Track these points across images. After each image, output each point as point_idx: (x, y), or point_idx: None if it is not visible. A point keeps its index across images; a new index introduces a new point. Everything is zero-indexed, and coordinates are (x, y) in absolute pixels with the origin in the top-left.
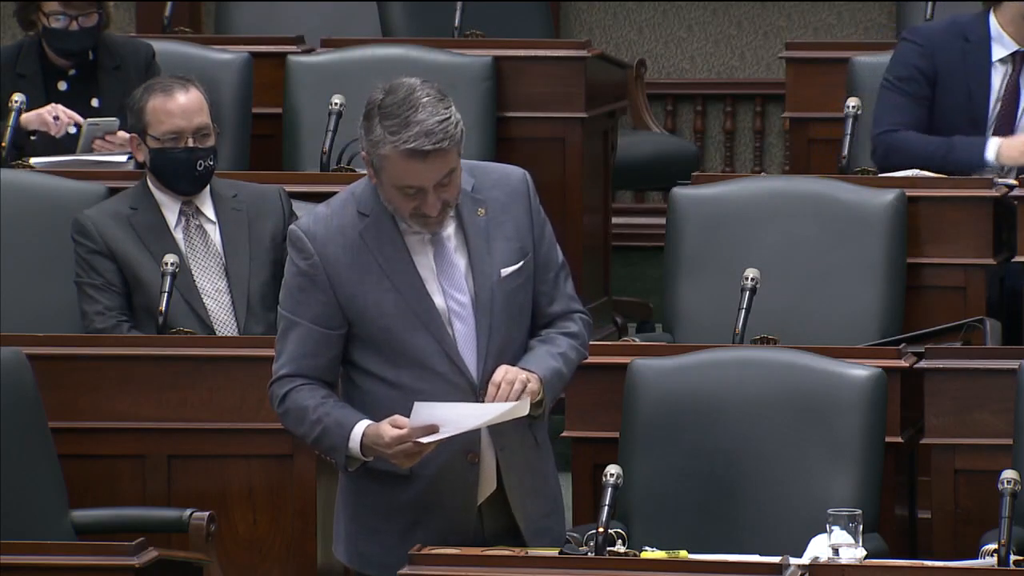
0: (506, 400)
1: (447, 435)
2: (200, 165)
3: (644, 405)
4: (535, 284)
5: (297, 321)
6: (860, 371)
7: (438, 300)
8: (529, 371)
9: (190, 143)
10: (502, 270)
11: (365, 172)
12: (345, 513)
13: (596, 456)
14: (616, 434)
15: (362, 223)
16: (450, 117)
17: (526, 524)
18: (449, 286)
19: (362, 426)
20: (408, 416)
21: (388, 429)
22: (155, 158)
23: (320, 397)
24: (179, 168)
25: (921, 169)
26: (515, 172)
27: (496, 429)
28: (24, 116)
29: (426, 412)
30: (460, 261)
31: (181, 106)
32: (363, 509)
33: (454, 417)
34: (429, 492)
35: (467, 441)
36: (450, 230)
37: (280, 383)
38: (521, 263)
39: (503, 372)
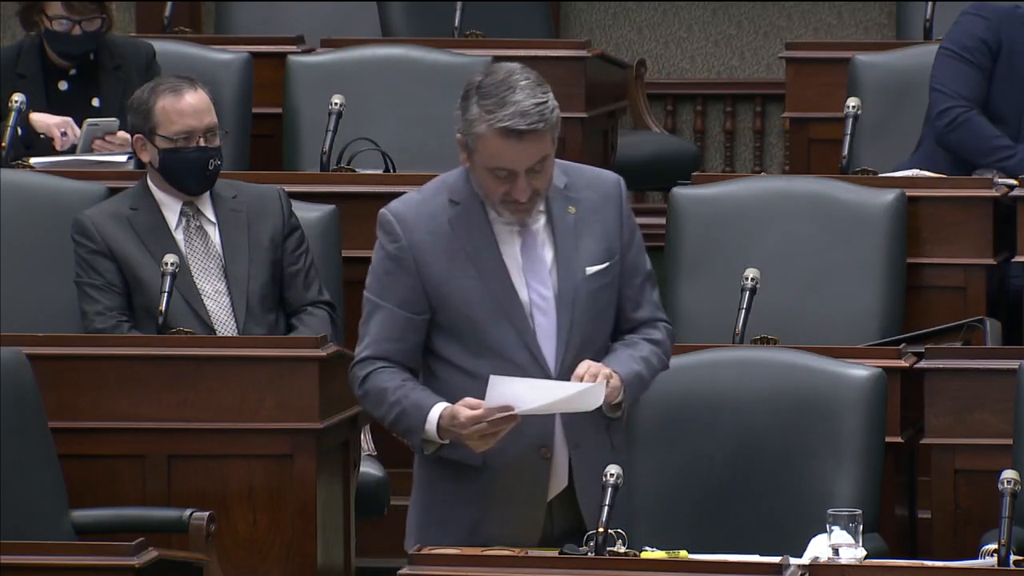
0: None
1: (522, 412)
2: (211, 165)
3: (645, 405)
4: (621, 288)
5: (381, 304)
6: (860, 371)
7: (522, 292)
8: (612, 369)
9: (201, 143)
10: (587, 268)
11: (365, 172)
12: (417, 505)
13: None
14: None
15: (452, 210)
16: (547, 102)
17: (593, 525)
18: (533, 279)
19: (439, 408)
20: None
21: (464, 410)
22: (165, 158)
23: (400, 380)
24: (191, 168)
25: (973, 159)
26: (610, 176)
27: (571, 427)
28: (35, 117)
29: (502, 385)
30: (547, 255)
31: (192, 105)
32: (434, 499)
33: (529, 393)
34: (499, 484)
35: (540, 435)
36: (539, 224)
37: (361, 365)
38: (607, 264)
39: (586, 366)
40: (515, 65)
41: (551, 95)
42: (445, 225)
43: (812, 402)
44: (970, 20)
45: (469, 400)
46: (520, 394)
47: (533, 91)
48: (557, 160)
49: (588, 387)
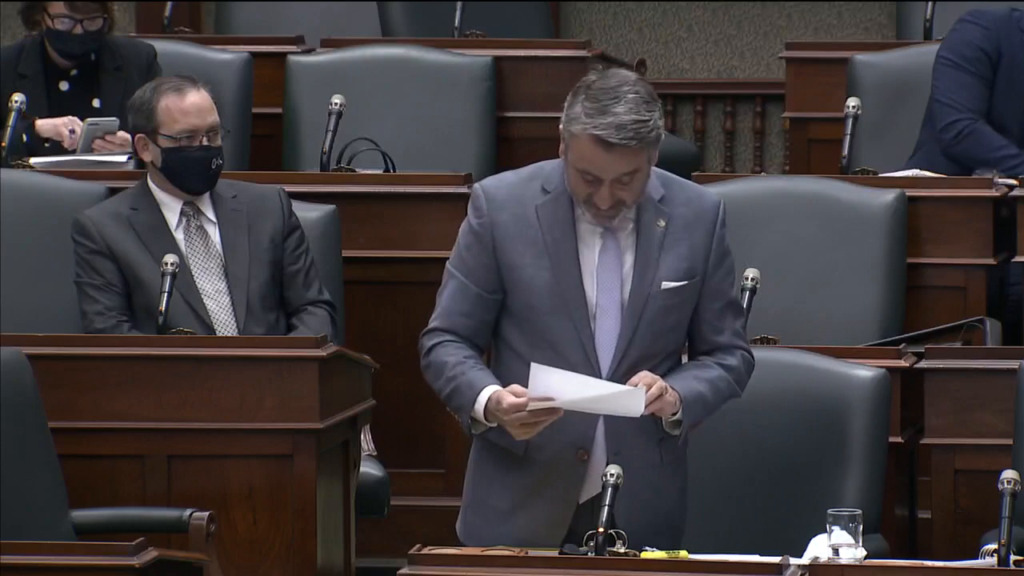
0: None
1: (561, 404)
2: (213, 164)
3: None
4: (700, 311)
5: (457, 276)
6: (866, 372)
7: (590, 292)
8: (670, 385)
9: (203, 142)
10: (664, 283)
11: (365, 172)
12: (468, 484)
13: None
14: None
15: (542, 198)
16: (649, 120)
17: (629, 535)
18: (605, 282)
19: (490, 390)
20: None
21: (508, 396)
22: (168, 157)
23: (463, 356)
24: (194, 167)
25: (979, 165)
26: (710, 197)
27: (614, 434)
28: (40, 123)
29: (544, 375)
30: (625, 261)
31: (196, 105)
32: (480, 480)
33: (569, 385)
34: (536, 478)
35: (580, 437)
36: (626, 230)
37: (430, 335)
38: (685, 283)
39: (644, 376)
40: (631, 75)
41: (657, 115)
42: (531, 211)
43: (817, 402)
44: (968, 29)
45: (515, 387)
46: (560, 385)
47: (638, 107)
48: (664, 172)
49: (627, 390)
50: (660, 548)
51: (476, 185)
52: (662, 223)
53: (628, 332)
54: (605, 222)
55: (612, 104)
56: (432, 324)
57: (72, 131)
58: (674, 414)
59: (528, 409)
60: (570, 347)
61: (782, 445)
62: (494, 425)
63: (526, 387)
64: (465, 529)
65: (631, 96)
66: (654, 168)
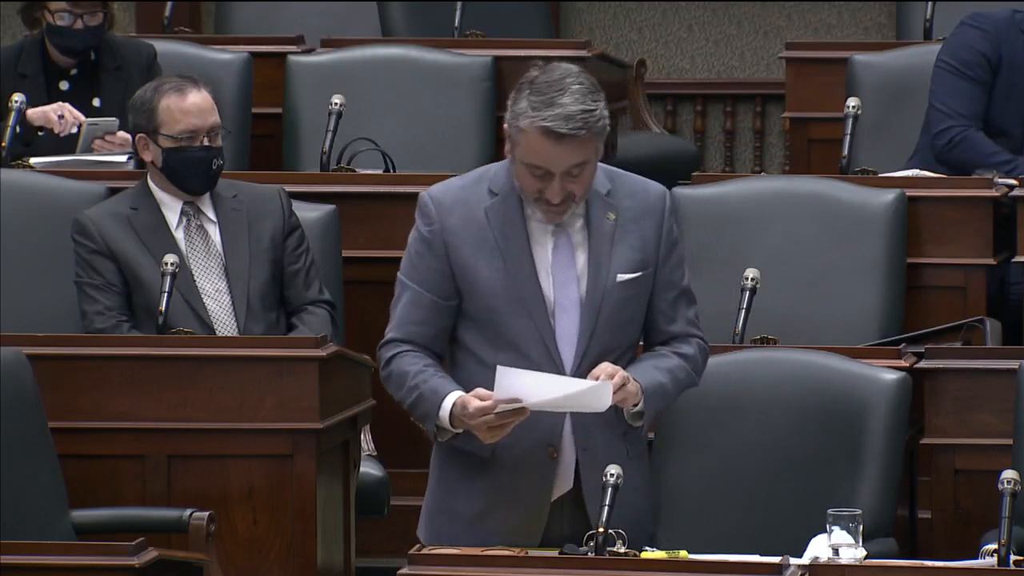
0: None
1: (529, 404)
2: (214, 164)
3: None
4: (654, 302)
5: (410, 285)
6: (889, 375)
7: (547, 290)
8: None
9: (204, 142)
10: (618, 276)
11: (365, 172)
12: (430, 490)
13: None
14: None
15: (490, 200)
16: (595, 110)
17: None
18: (561, 279)
19: (454, 396)
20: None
21: (474, 400)
22: (169, 157)
23: (423, 364)
24: (195, 167)
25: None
26: (656, 188)
27: (581, 429)
28: (30, 112)
29: (509, 377)
30: (579, 258)
31: (197, 105)
32: (444, 487)
33: (536, 386)
34: (505, 479)
35: (548, 434)
36: (576, 226)
37: (388, 347)
38: (639, 274)
39: (604, 367)
40: (573, 67)
41: (603, 104)
42: (480, 214)
43: (836, 403)
44: (968, 32)
45: (480, 391)
46: (527, 386)
47: (584, 97)
48: (607, 166)
49: (595, 385)
50: (632, 546)
51: (423, 193)
52: (612, 217)
53: (588, 327)
54: (556, 218)
55: (558, 96)
56: (389, 335)
57: (61, 116)
58: (636, 405)
59: (496, 411)
60: (532, 346)
61: (797, 445)
62: (460, 431)
63: (490, 390)
64: (431, 537)
65: (576, 87)
66: (599, 163)
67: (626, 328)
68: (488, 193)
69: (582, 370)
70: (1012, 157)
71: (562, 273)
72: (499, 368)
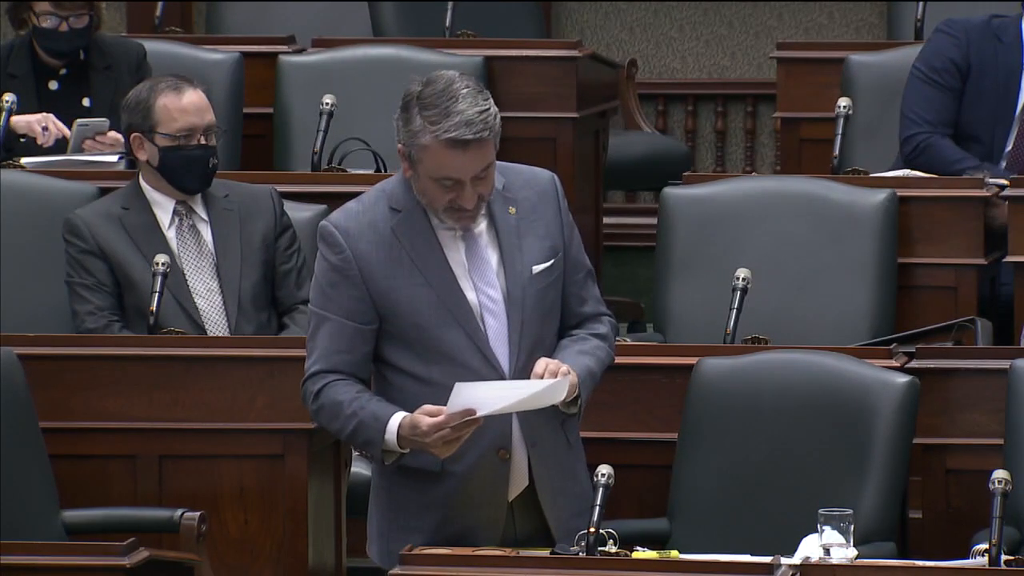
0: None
1: (483, 414)
2: (211, 163)
3: (700, 404)
4: (565, 285)
5: (328, 316)
6: (899, 377)
7: (470, 295)
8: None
9: (201, 141)
10: (533, 267)
11: (356, 172)
12: (378, 512)
13: (588, 456)
14: (605, 434)
15: (394, 218)
16: (489, 108)
17: (556, 524)
18: (481, 282)
19: (398, 418)
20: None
21: (424, 418)
22: (166, 156)
23: (355, 392)
24: (192, 166)
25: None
26: (544, 174)
27: (528, 426)
28: (15, 119)
29: (467, 392)
30: (492, 257)
31: (194, 103)
32: (396, 507)
33: (493, 396)
34: (460, 488)
35: (498, 437)
36: (482, 227)
37: (313, 380)
38: (552, 261)
39: (544, 363)
40: (453, 73)
41: (492, 101)
42: (388, 234)
43: (843, 405)
44: (940, 39)
45: (428, 407)
46: (484, 398)
47: (475, 99)
48: (496, 162)
49: (551, 383)
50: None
51: (324, 223)
52: (513, 210)
53: (516, 324)
54: (470, 223)
55: (451, 104)
56: (312, 369)
57: (45, 128)
58: (574, 394)
59: (450, 425)
60: (466, 354)
61: (806, 446)
62: (407, 452)
63: (430, 403)
64: (391, 559)
65: (465, 91)
66: None
67: (550, 316)
68: (390, 211)
69: (518, 367)
70: (978, 163)
71: (480, 276)
72: (457, 384)
